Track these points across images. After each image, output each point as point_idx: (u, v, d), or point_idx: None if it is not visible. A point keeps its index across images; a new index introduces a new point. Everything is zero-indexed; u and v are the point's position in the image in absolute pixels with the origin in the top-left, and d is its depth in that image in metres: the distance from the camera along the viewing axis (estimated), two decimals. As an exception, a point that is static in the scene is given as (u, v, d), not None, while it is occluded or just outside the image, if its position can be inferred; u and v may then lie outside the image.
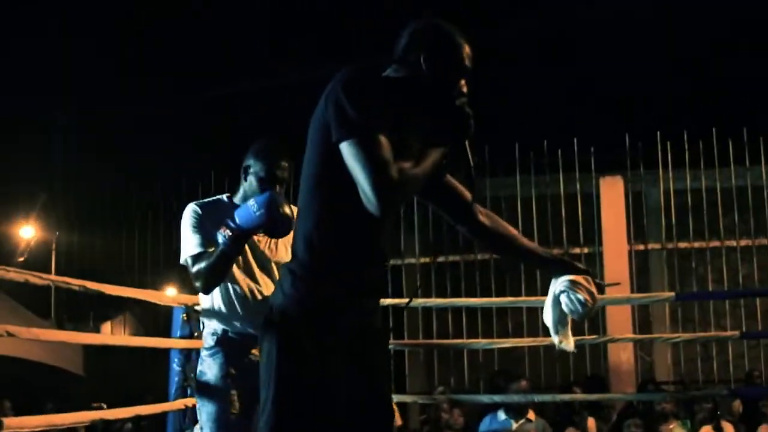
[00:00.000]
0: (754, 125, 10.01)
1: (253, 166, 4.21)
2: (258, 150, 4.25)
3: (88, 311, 11.57)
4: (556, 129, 10.18)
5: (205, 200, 4.35)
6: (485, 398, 7.40)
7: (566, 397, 7.76)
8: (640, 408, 8.74)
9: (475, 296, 9.51)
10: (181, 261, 4.23)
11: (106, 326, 12.06)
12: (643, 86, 10.82)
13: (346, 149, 2.73)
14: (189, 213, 4.24)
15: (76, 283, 4.67)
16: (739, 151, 10.09)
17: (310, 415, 2.85)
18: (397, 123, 2.81)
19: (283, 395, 2.85)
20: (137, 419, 8.69)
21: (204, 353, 4.35)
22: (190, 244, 4.17)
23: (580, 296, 3.07)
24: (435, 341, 9.17)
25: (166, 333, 6.73)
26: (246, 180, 4.24)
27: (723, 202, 10.15)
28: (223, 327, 4.27)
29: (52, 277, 4.53)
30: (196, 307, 6.26)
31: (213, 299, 4.28)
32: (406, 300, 6.55)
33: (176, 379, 6.21)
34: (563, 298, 3.13)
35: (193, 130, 11.59)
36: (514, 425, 7.96)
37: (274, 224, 3.89)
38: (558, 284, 3.17)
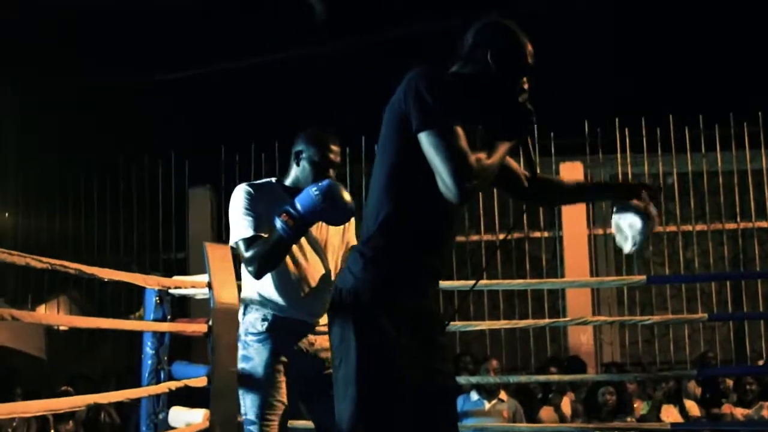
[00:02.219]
0: (710, 112, 10.17)
1: (306, 150, 4.25)
2: (310, 135, 4.28)
3: (26, 292, 11.44)
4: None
5: (256, 182, 4.34)
6: (461, 380, 7.46)
7: (542, 377, 7.86)
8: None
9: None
10: (231, 243, 4.21)
11: (41, 309, 11.92)
12: (602, 73, 10.92)
13: (426, 139, 2.83)
14: (242, 194, 4.22)
15: (48, 261, 4.61)
16: (695, 137, 10.25)
17: (394, 391, 2.92)
18: (468, 117, 2.91)
19: (366, 372, 2.92)
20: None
21: (251, 338, 4.33)
22: (242, 226, 4.14)
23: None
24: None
25: (110, 315, 6.70)
26: (299, 165, 4.28)
27: (679, 188, 10.30)
28: (273, 312, 4.26)
29: (17, 254, 4.46)
30: (171, 291, 6.26)
31: (262, 284, 4.26)
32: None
33: (149, 362, 6.19)
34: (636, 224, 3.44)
35: (145, 110, 11.49)
36: (487, 405, 8.05)
37: (337, 213, 3.91)
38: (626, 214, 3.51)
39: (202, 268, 6.04)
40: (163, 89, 11.42)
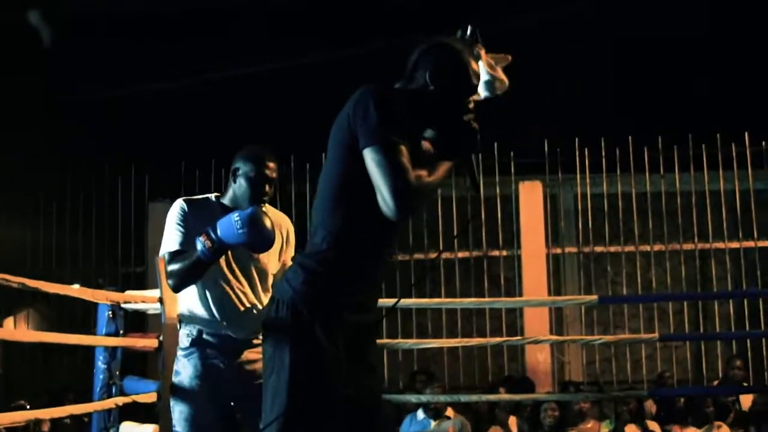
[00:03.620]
0: (669, 133, 10.24)
1: (242, 167, 4.28)
2: (246, 152, 4.32)
3: (-6, 306, 11.42)
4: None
5: (193, 198, 4.40)
6: (413, 398, 7.50)
7: (492, 397, 7.89)
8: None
9: (394, 297, 9.57)
10: (160, 255, 4.28)
11: (9, 321, 11.87)
12: (561, 91, 10.98)
13: (369, 155, 2.88)
14: (176, 209, 4.29)
15: (13, 279, 4.61)
16: (653, 158, 10.33)
17: (324, 404, 2.96)
18: (413, 135, 3.00)
19: (298, 383, 2.95)
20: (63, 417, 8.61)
21: (180, 353, 4.40)
22: (170, 240, 4.23)
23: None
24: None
25: (77, 330, 6.68)
26: (235, 182, 4.31)
27: (637, 208, 10.37)
28: (198, 328, 4.31)
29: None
30: (124, 305, 6.26)
31: (189, 300, 4.33)
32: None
33: (101, 377, 6.18)
34: None
35: (107, 123, 11.47)
36: (433, 424, 8.08)
37: (255, 242, 3.98)
38: None
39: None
40: (125, 103, 11.38)
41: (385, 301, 6.56)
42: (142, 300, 6.30)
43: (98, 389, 6.20)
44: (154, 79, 11.23)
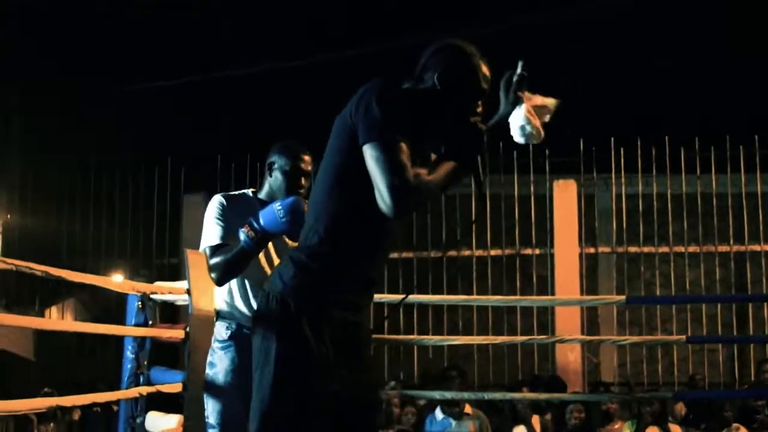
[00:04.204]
0: (706, 135, 10.17)
1: (278, 161, 4.31)
2: (281, 146, 4.34)
3: (34, 295, 11.51)
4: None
5: (231, 193, 4.44)
6: (436, 394, 7.50)
7: (516, 395, 7.87)
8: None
9: (427, 293, 9.58)
10: (200, 249, 4.29)
11: (52, 311, 12.00)
12: (598, 92, 10.93)
13: (369, 151, 2.86)
14: (215, 204, 4.30)
15: (37, 268, 4.66)
16: (690, 159, 10.26)
17: (308, 400, 2.95)
18: (416, 134, 2.94)
19: (282, 378, 2.95)
20: (90, 405, 8.68)
21: (216, 345, 4.43)
22: (211, 234, 4.23)
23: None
24: (386, 336, 9.25)
25: (115, 320, 6.74)
26: (271, 176, 4.34)
27: (672, 209, 10.30)
28: (238, 321, 4.34)
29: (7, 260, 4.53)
30: (153, 296, 6.31)
31: (228, 294, 4.36)
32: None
33: (129, 366, 6.23)
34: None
35: (156, 116, 11.56)
36: (453, 424, 8.08)
37: (297, 230, 3.96)
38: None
39: (193, 274, 6.11)
40: (162, 95, 11.46)
41: (413, 297, 6.61)
42: (169, 291, 6.34)
43: (126, 379, 6.26)
44: (190, 72, 11.31)
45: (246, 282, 4.30)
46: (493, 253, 10.60)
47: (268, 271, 4.26)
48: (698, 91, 10.92)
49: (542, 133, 3.42)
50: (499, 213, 10.37)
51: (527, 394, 8.20)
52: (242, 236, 3.98)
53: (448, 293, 9.55)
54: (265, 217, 3.94)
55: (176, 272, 10.68)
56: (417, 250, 10.62)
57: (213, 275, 4.17)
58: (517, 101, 3.18)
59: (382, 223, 2.95)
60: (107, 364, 10.54)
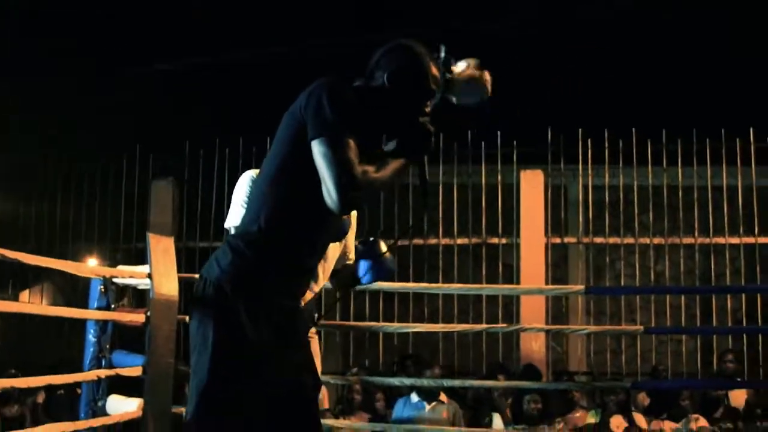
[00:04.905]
0: (673, 127, 10.22)
1: None
2: None
3: (8, 279, 11.49)
4: (480, 121, 10.30)
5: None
6: (396, 381, 7.55)
7: (476, 383, 7.92)
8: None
9: (392, 280, 9.62)
10: (225, 225, 4.34)
11: (24, 294, 11.97)
12: (567, 82, 10.98)
13: (317, 146, 2.92)
14: (245, 181, 4.33)
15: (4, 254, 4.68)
16: (657, 151, 10.31)
17: (243, 386, 3.00)
18: (365, 131, 3.03)
19: (218, 363, 3.00)
20: (53, 388, 8.70)
21: None
22: (236, 214, 4.26)
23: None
24: (351, 323, 9.29)
25: (83, 304, 6.76)
26: None
27: (639, 201, 10.36)
28: None
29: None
30: (116, 280, 6.33)
31: None
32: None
33: (91, 350, 6.26)
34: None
35: (120, 101, 11.52)
36: (427, 407, 8.14)
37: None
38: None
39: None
40: (130, 83, 11.43)
41: (379, 285, 6.64)
42: (131, 275, 6.37)
43: (87, 362, 6.29)
44: (159, 59, 11.30)
45: None
46: (459, 241, 10.63)
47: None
48: (665, 83, 10.99)
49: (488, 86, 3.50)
50: (466, 202, 10.41)
51: (486, 382, 8.25)
52: None
53: (415, 281, 9.58)
54: None
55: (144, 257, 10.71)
56: (383, 238, 10.61)
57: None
58: (447, 83, 3.25)
59: (325, 216, 3.01)
60: (76, 347, 10.54)
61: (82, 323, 6.49)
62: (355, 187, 2.90)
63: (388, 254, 4.06)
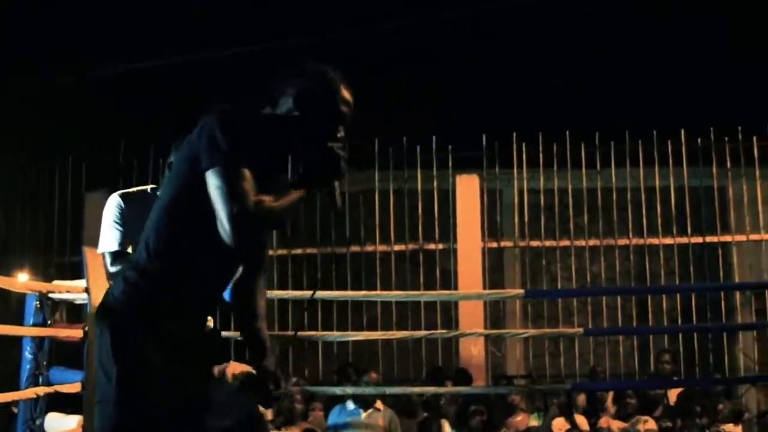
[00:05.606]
0: (606, 130, 10.30)
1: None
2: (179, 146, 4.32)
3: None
4: (415, 126, 10.33)
5: (130, 191, 4.41)
6: (337, 390, 7.52)
7: (416, 389, 7.92)
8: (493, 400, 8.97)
9: (330, 289, 9.58)
10: (98, 251, 4.32)
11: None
12: (501, 87, 11.03)
13: (211, 178, 2.85)
14: (112, 205, 4.30)
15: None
16: (590, 154, 10.39)
17: (147, 414, 2.94)
18: (264, 160, 2.94)
19: (122, 394, 2.92)
20: None
21: None
22: (109, 238, 4.26)
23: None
24: (290, 333, 9.24)
25: (16, 320, 6.65)
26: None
27: (574, 204, 10.43)
28: None
29: None
30: (50, 295, 6.22)
31: None
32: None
33: (28, 367, 6.14)
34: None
35: (44, 112, 11.36)
36: (363, 414, 8.13)
37: None
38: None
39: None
40: (62, 90, 11.28)
41: (318, 294, 6.60)
42: (67, 290, 6.27)
43: (24, 379, 6.17)
44: (93, 66, 11.16)
45: None
46: (396, 248, 10.63)
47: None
48: (597, 86, 11.08)
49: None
50: (403, 208, 10.40)
51: (428, 388, 8.26)
52: None
53: (353, 289, 9.56)
54: None
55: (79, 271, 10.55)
56: (320, 246, 10.61)
57: (111, 283, 4.07)
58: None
59: (220, 247, 2.90)
60: (5, 366, 10.35)
61: (12, 340, 6.36)
62: (249, 219, 2.84)
63: None
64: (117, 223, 4.25)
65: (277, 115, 3.04)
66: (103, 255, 4.29)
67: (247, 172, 2.84)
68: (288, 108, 3.03)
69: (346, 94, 3.09)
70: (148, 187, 4.43)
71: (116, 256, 4.22)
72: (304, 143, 3.06)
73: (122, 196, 4.34)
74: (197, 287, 3.07)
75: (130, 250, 4.18)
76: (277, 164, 3.06)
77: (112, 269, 4.21)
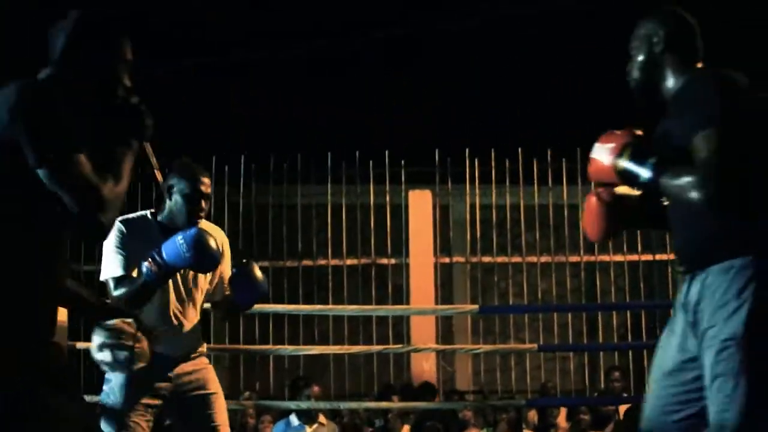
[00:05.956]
0: (557, 147, 10.34)
1: (177, 184, 4.36)
2: (179, 168, 4.40)
3: None
4: (368, 141, 10.32)
5: (130, 217, 4.45)
6: (292, 404, 7.49)
7: (371, 404, 7.91)
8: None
9: (282, 303, 9.53)
10: (102, 278, 4.34)
11: None
12: (452, 103, 11.07)
13: (47, 176, 2.58)
14: (114, 232, 4.30)
15: None
16: (542, 171, 10.42)
17: None
18: (84, 134, 2.68)
19: None
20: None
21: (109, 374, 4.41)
22: (112, 264, 4.29)
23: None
24: (242, 346, 9.17)
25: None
26: (171, 199, 4.39)
27: (525, 220, 10.46)
28: None
29: None
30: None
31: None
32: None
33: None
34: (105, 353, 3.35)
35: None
36: (308, 430, 8.10)
37: (201, 264, 4.13)
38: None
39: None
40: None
41: (269, 307, 6.55)
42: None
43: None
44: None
45: (164, 320, 4.41)
46: (348, 262, 10.61)
47: (170, 293, 4.42)
48: (551, 101, 11.14)
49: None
50: (355, 222, 10.38)
51: (381, 404, 8.24)
52: (145, 271, 4.03)
53: (304, 303, 9.51)
54: (168, 251, 4.00)
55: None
56: (272, 260, 10.55)
57: (123, 306, 4.13)
58: None
59: (46, 250, 2.69)
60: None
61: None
62: (108, 208, 2.63)
63: (260, 275, 4.23)
64: (119, 248, 4.31)
65: (72, 79, 2.78)
66: (107, 281, 4.32)
67: (82, 158, 2.60)
68: (76, 67, 2.79)
69: (124, 37, 2.88)
70: (148, 212, 4.50)
71: (119, 281, 4.25)
72: (100, 99, 2.83)
73: (123, 222, 4.36)
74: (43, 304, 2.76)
75: (135, 274, 4.21)
76: (87, 132, 2.72)
77: (116, 293, 4.24)
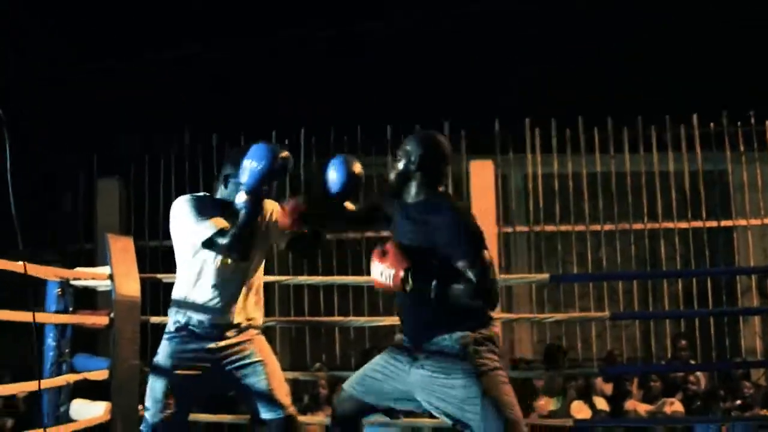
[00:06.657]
0: (619, 115, 10.28)
1: (236, 176, 4.43)
2: (236, 157, 4.44)
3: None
4: (428, 113, 10.29)
5: (194, 195, 4.64)
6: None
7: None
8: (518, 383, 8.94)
9: (346, 274, 9.54)
10: (202, 239, 4.44)
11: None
12: (514, 71, 11.01)
13: None
14: (188, 203, 4.52)
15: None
16: (603, 139, 10.35)
17: None
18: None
19: None
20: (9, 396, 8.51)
21: (165, 335, 4.64)
22: (205, 225, 4.42)
23: None
24: (307, 318, 9.21)
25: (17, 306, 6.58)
26: (227, 188, 4.58)
27: (587, 188, 10.39)
28: (187, 314, 4.56)
29: None
30: (73, 282, 6.18)
31: (181, 289, 4.62)
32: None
33: (51, 354, 6.11)
34: None
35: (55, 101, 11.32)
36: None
37: (273, 165, 4.25)
38: None
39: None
40: (69, 80, 11.26)
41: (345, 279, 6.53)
42: (92, 276, 6.23)
43: (48, 367, 6.12)
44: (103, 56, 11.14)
45: (201, 274, 4.55)
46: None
47: (227, 261, 4.53)
48: (610, 71, 11.06)
49: None
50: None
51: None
52: (240, 205, 4.27)
53: (368, 275, 9.52)
54: (248, 180, 4.22)
55: (92, 258, 10.50)
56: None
57: (235, 255, 4.43)
58: None
59: None
60: (10, 354, 10.27)
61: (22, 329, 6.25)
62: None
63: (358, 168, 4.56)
64: (202, 212, 4.47)
65: None
66: (209, 242, 4.42)
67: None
68: None
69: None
70: (204, 194, 4.69)
71: (220, 234, 4.37)
72: None
73: (192, 196, 4.59)
74: None
75: None
76: None
77: (223, 242, 4.36)
